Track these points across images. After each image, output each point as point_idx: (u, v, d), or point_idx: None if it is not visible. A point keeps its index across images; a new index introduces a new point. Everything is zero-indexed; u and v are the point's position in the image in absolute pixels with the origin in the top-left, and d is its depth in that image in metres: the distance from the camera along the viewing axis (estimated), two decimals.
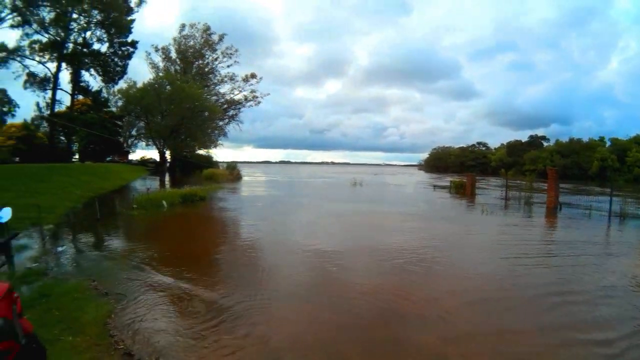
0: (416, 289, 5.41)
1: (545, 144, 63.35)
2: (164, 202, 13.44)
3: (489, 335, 4.04)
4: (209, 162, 39.78)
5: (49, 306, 4.22)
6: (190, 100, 34.14)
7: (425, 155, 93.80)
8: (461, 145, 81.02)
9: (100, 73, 36.30)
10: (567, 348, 3.80)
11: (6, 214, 2.70)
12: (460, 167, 67.85)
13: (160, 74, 38.18)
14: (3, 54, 27.04)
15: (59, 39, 31.07)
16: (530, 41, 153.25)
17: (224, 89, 43.62)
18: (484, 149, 76.22)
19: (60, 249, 7.57)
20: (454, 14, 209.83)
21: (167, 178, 32.63)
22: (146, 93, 34.29)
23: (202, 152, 41.11)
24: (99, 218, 10.77)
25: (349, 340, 3.83)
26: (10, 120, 34.13)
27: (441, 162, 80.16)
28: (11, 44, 28.66)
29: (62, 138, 37.55)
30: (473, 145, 78.73)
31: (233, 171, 35.10)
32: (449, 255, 7.47)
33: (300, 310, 4.59)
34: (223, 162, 41.83)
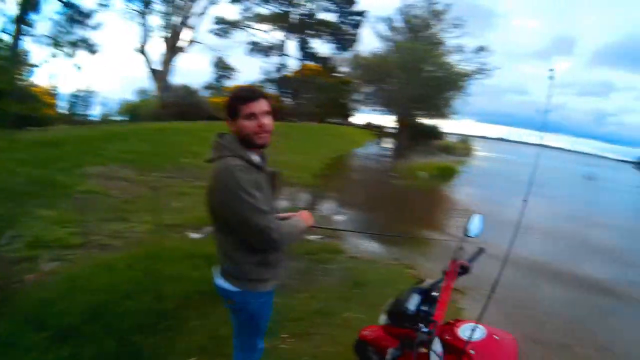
0: None
1: None
2: (424, 173, 12.80)
3: None
4: (436, 132, 38.62)
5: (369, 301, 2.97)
6: (433, 66, 33.29)
7: None
8: None
9: (330, 41, 37.32)
10: None
11: (477, 224, 1.69)
12: None
13: (389, 43, 37.43)
14: (223, 26, 29.23)
15: (281, 11, 32.72)
16: None
17: (453, 60, 39.16)
18: None
19: (339, 217, 6.03)
20: None
21: (390, 145, 31.30)
22: (382, 60, 34.16)
23: (425, 121, 39.51)
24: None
25: None
26: (231, 84, 38.33)
27: None
28: (231, 16, 30.82)
29: (288, 99, 39.82)
30: None
31: (466, 144, 33.79)
32: None
33: None
34: (450, 133, 40.26)
